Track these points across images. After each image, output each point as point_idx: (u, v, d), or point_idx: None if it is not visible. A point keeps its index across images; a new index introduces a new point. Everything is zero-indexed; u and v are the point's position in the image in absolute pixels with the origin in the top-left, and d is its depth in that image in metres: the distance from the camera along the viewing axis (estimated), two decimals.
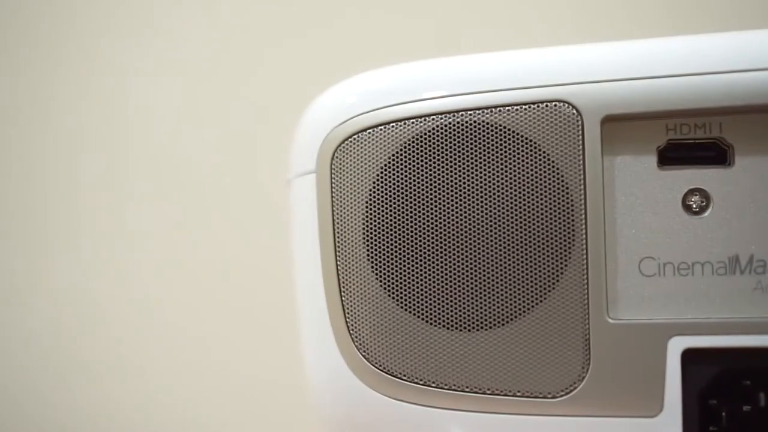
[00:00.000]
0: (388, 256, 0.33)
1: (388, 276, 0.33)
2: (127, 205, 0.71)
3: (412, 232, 0.32)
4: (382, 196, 0.33)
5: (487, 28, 0.66)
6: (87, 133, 0.72)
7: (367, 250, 0.33)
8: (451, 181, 0.32)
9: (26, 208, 0.73)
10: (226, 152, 0.69)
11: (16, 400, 0.72)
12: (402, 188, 0.33)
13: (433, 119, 0.33)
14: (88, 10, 0.73)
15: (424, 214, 0.32)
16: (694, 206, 0.32)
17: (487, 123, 0.32)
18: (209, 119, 0.69)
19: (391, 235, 0.33)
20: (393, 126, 0.33)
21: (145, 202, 0.70)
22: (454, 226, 0.32)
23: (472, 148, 0.32)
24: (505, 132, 0.32)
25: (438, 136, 0.33)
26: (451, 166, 0.32)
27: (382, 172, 0.33)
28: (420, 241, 0.32)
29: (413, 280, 0.32)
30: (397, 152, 0.33)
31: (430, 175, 0.32)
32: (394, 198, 0.33)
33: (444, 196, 0.32)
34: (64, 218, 0.72)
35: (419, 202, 0.32)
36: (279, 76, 0.68)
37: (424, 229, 0.32)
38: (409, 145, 0.33)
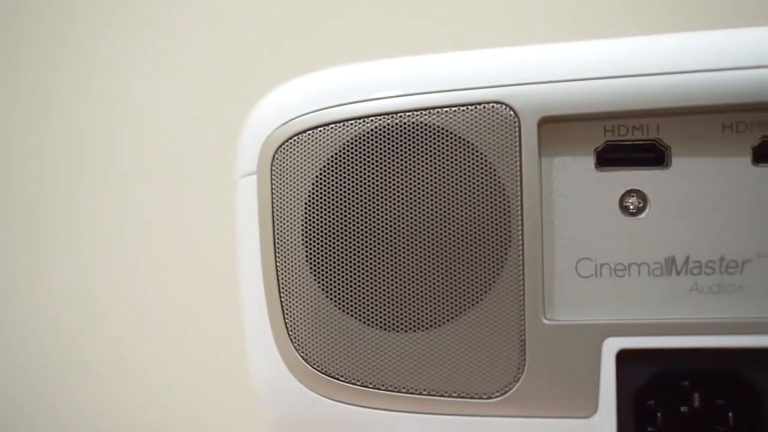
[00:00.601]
0: (326, 258, 0.33)
1: (326, 277, 0.33)
2: (126, 204, 0.71)
3: (349, 233, 0.32)
4: (321, 198, 0.33)
5: (487, 28, 0.66)
6: (87, 133, 0.72)
7: (306, 252, 0.33)
8: (389, 182, 0.32)
9: (26, 208, 0.73)
10: (226, 152, 0.69)
11: (16, 400, 0.73)
12: (340, 190, 0.33)
13: (371, 121, 0.33)
14: (88, 10, 0.73)
15: (361, 215, 0.32)
16: (632, 207, 0.32)
17: (425, 124, 0.32)
18: (209, 119, 0.69)
19: (329, 236, 0.33)
20: (332, 128, 0.33)
21: (145, 202, 0.71)
22: (392, 228, 0.32)
23: (409, 150, 0.32)
24: (442, 133, 0.32)
25: (376, 138, 0.33)
26: (388, 168, 0.32)
27: (320, 174, 0.33)
28: (357, 242, 0.32)
29: (351, 282, 0.32)
30: (336, 154, 0.33)
31: (368, 177, 0.32)
32: (333, 200, 0.33)
33: (381, 197, 0.32)
34: (64, 218, 0.72)
35: (357, 203, 0.32)
36: (279, 76, 0.68)
37: (361, 230, 0.32)
38: (348, 146, 0.33)
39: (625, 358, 0.32)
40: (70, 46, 0.73)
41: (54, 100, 0.73)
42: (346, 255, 0.32)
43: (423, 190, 0.32)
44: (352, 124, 0.33)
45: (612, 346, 0.31)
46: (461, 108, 0.32)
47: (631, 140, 0.33)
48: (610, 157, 0.33)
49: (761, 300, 0.32)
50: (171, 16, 0.72)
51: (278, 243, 0.33)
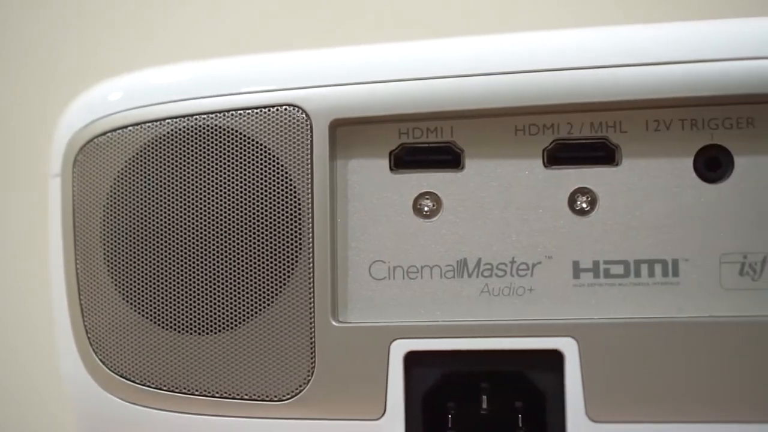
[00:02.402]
0: (123, 261, 0.33)
1: (124, 280, 0.33)
2: None
3: (145, 237, 0.33)
4: (118, 202, 0.33)
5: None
6: None
7: (105, 255, 0.33)
8: (183, 185, 0.32)
9: (27, 207, 0.73)
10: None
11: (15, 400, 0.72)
12: (137, 194, 0.33)
13: (167, 124, 0.33)
14: (89, 6, 0.73)
15: (157, 219, 0.32)
16: (426, 210, 0.33)
17: (219, 127, 0.32)
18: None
19: (127, 240, 0.33)
20: (130, 130, 0.33)
21: None
22: (186, 231, 0.32)
23: (203, 153, 0.32)
24: (235, 136, 0.32)
25: (171, 140, 0.33)
26: (183, 171, 0.32)
27: (118, 178, 0.33)
28: (153, 245, 0.32)
29: (147, 284, 0.33)
30: (133, 157, 0.33)
31: (164, 180, 0.32)
32: (130, 204, 0.33)
33: (176, 200, 0.32)
34: None
35: (153, 207, 0.33)
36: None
37: (157, 233, 0.32)
38: (145, 149, 0.33)
39: (413, 359, 0.32)
40: (70, 45, 0.73)
41: (54, 100, 0.73)
42: (143, 258, 0.33)
43: (216, 193, 0.32)
44: (148, 126, 0.33)
45: (400, 348, 0.32)
46: (254, 111, 0.32)
47: (425, 143, 0.33)
48: (406, 159, 0.33)
49: (549, 302, 0.32)
50: (171, 16, 0.72)
51: (78, 245, 0.33)
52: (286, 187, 0.32)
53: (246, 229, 0.32)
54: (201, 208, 0.32)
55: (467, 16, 0.66)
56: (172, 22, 0.71)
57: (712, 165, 0.32)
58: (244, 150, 0.32)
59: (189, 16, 0.71)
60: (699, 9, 0.62)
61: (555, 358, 0.31)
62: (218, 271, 0.32)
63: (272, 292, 0.32)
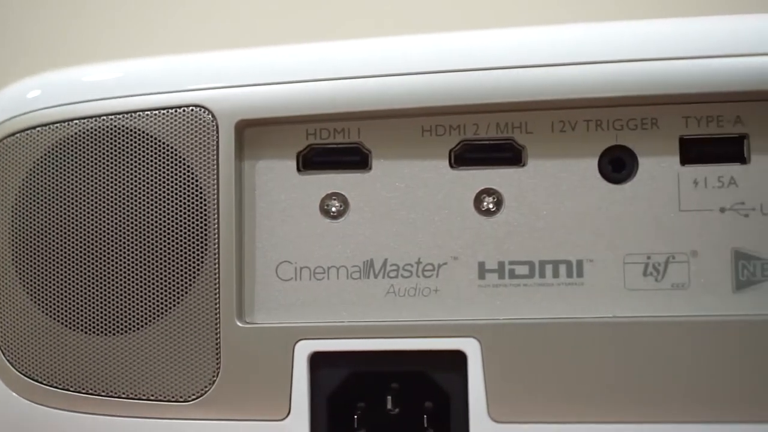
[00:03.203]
0: (32, 262, 0.33)
1: (31, 280, 0.33)
2: None
3: (53, 238, 0.32)
4: (26, 203, 0.33)
5: None
6: None
7: (13, 256, 0.33)
8: (91, 187, 0.32)
9: None
10: None
11: None
12: (45, 194, 0.33)
13: (75, 124, 0.33)
14: (89, 7, 0.73)
15: (64, 220, 0.32)
16: (333, 211, 0.33)
17: (127, 128, 0.32)
18: None
19: (35, 241, 0.33)
20: (39, 131, 0.33)
21: None
22: (93, 232, 0.32)
23: (111, 154, 0.32)
24: (143, 137, 0.32)
25: (79, 141, 0.33)
26: (91, 172, 0.32)
27: (26, 179, 0.33)
28: (61, 247, 0.32)
29: (54, 285, 0.32)
30: (41, 158, 0.33)
31: (71, 181, 0.32)
32: (37, 204, 0.33)
33: (83, 202, 0.32)
34: None
35: (60, 208, 0.33)
36: None
37: (64, 234, 0.32)
38: (52, 151, 0.33)
39: (318, 360, 0.32)
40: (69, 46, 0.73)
41: None
42: (51, 259, 0.32)
43: (123, 194, 0.32)
44: (56, 127, 0.33)
45: (304, 349, 0.32)
46: (161, 112, 0.32)
47: (333, 144, 0.33)
48: (314, 160, 0.33)
49: (454, 303, 0.32)
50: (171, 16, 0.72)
51: None
52: (193, 189, 0.32)
53: (152, 230, 0.32)
54: (108, 210, 0.32)
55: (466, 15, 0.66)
56: (172, 22, 0.71)
57: (617, 166, 0.32)
58: (151, 151, 0.32)
59: (189, 16, 0.71)
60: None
61: (458, 359, 0.31)
62: (125, 272, 0.32)
63: (178, 293, 0.32)
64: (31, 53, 0.74)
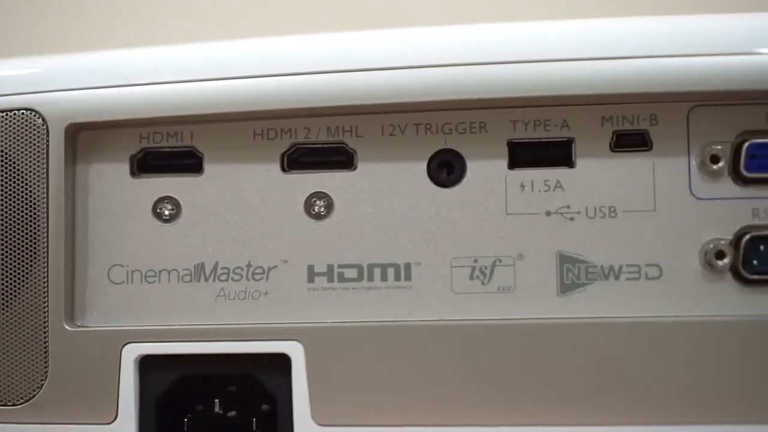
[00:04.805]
0: None
1: None
2: None
3: None
4: None
5: None
6: None
7: None
8: None
9: None
10: None
11: None
12: None
13: None
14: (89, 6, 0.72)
15: None
16: (165, 214, 0.33)
17: None
18: None
19: None
20: None
21: None
22: None
23: None
24: None
25: None
26: None
27: None
28: None
29: None
30: None
31: None
32: None
33: None
34: None
35: None
36: None
37: None
38: None
39: (147, 364, 0.32)
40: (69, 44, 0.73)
41: None
42: None
43: None
44: None
45: (132, 352, 0.32)
46: None
47: (166, 147, 0.33)
48: (147, 164, 0.33)
49: (283, 306, 0.32)
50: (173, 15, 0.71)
51: None
52: (23, 193, 0.32)
53: None
54: None
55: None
56: (172, 22, 0.71)
57: (446, 169, 0.32)
58: None
59: (189, 16, 0.71)
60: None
61: (285, 362, 0.31)
62: None
63: (6, 297, 0.32)
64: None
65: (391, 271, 0.32)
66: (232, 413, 0.33)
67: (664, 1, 0.57)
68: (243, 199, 0.32)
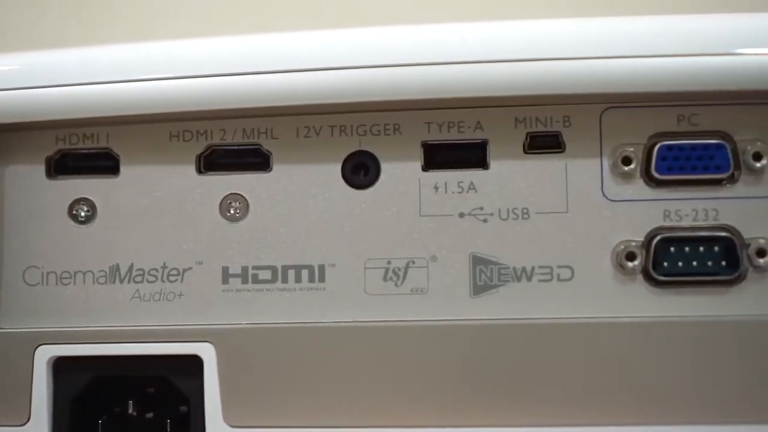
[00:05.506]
0: None
1: None
2: None
3: None
4: None
5: None
6: None
7: None
8: None
9: None
10: None
11: None
12: None
13: None
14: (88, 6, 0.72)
15: None
16: (81, 215, 0.33)
17: None
18: None
19: None
20: None
21: None
22: None
23: None
24: None
25: None
26: None
27: None
28: None
29: None
30: None
31: None
32: None
33: None
34: None
35: None
36: None
37: None
38: None
39: (61, 365, 0.32)
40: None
41: None
42: None
43: None
44: None
45: (45, 354, 0.32)
46: None
47: (83, 149, 0.33)
48: (64, 165, 0.33)
49: (197, 307, 0.32)
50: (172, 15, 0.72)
51: None
52: None
53: None
54: None
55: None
56: (172, 22, 0.71)
57: (360, 171, 0.32)
58: None
59: (189, 16, 0.71)
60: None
61: (196, 364, 0.31)
62: None
63: None
64: None
65: (305, 273, 0.32)
66: (150, 415, 0.32)
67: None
68: (159, 201, 0.32)
